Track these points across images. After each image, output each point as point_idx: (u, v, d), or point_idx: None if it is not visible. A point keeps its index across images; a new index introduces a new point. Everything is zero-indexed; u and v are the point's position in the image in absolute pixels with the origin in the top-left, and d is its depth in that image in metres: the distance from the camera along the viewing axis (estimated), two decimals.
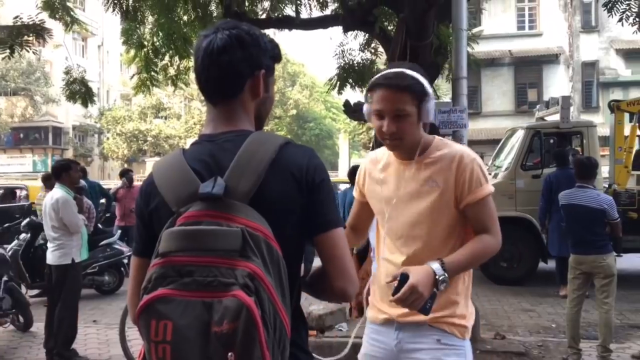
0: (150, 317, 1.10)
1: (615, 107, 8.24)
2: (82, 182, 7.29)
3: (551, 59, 24.05)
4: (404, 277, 1.64)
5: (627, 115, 8.28)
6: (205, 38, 1.32)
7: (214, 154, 1.27)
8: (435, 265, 1.68)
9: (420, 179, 1.86)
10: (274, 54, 1.38)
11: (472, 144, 18.44)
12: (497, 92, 24.49)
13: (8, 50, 6.74)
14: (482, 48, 23.83)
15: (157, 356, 1.09)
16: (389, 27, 6.53)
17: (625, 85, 23.51)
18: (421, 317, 1.74)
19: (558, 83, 24.29)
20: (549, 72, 24.36)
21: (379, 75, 1.84)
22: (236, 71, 1.30)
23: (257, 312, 1.06)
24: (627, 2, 6.36)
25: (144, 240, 1.30)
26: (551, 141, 8.07)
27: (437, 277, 1.66)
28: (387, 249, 1.95)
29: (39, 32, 7.01)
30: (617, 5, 6.39)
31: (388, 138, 1.82)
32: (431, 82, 6.50)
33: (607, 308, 4.63)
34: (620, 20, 6.57)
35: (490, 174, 8.63)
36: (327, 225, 1.28)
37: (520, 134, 8.40)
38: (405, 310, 1.73)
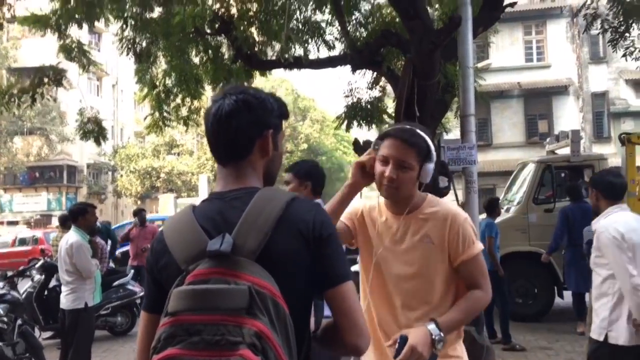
0: None
1: (626, 139, 8.20)
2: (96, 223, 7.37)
3: (560, 90, 24.12)
4: (403, 339, 1.70)
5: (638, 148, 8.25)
6: (215, 103, 1.38)
7: (223, 212, 1.30)
8: (431, 326, 1.76)
9: (414, 234, 1.95)
10: (280, 112, 1.43)
11: (483, 175, 18.40)
12: (507, 123, 24.53)
13: (30, 100, 7.00)
14: (491, 81, 24.07)
15: None
16: (396, 66, 6.63)
17: (636, 115, 23.47)
18: None
19: (568, 114, 24.30)
20: (558, 103, 24.41)
21: (393, 126, 1.98)
22: (244, 134, 1.35)
23: None
24: (631, 39, 6.44)
25: (154, 296, 1.32)
26: (562, 175, 8.04)
27: (433, 337, 1.73)
28: (382, 308, 1.98)
29: (59, 80, 7.25)
30: (620, 42, 6.47)
31: (386, 184, 1.90)
32: (439, 119, 6.57)
33: None
34: (624, 55, 6.62)
35: (502, 208, 8.59)
36: (336, 280, 1.30)
37: (531, 168, 8.39)
38: None
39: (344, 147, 39.95)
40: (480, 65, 23.00)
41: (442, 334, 1.75)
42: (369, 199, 2.16)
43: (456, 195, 5.92)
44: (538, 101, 24.50)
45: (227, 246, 1.19)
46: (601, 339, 3.03)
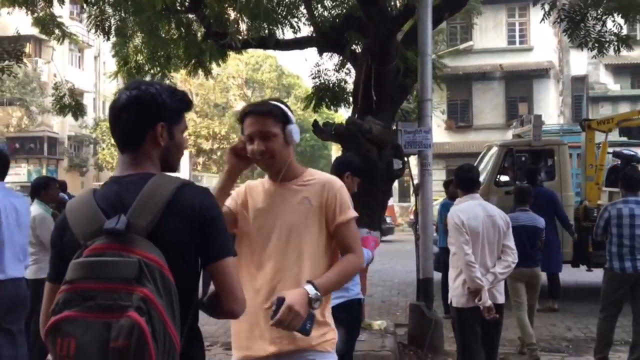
0: (56, 335, 1.32)
1: (586, 125, 8.47)
2: (64, 196, 7.48)
3: (541, 73, 24.37)
4: (280, 301, 1.81)
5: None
6: (116, 97, 1.56)
7: (119, 194, 1.49)
8: (308, 287, 1.87)
9: (294, 197, 2.08)
10: (178, 106, 1.61)
11: (463, 156, 18.65)
12: (489, 105, 24.78)
13: None
14: (473, 62, 24.31)
15: None
16: (359, 50, 6.77)
17: (615, 99, 23.83)
18: (299, 343, 1.95)
19: (548, 97, 24.60)
20: (539, 86, 24.68)
21: (245, 106, 2.12)
22: (134, 127, 1.54)
23: (147, 329, 1.28)
24: (586, 29, 6.62)
25: (57, 268, 1.51)
26: (523, 158, 8.29)
27: (310, 296, 1.84)
28: (262, 268, 2.07)
29: (19, 57, 7.32)
30: (576, 32, 6.65)
31: (260, 158, 2.04)
32: (399, 103, 6.74)
33: None
34: (580, 45, 6.83)
35: None
36: (217, 256, 1.51)
37: (494, 151, 8.64)
38: (280, 345, 1.96)
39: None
40: (462, 46, 23.27)
41: (318, 293, 1.85)
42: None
43: (411, 176, 6.15)
44: (519, 84, 24.74)
45: (121, 225, 1.38)
46: (451, 304, 3.77)
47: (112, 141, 22.46)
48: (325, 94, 7.39)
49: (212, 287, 1.61)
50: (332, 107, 7.53)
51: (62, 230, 1.51)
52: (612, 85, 24.30)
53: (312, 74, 7.57)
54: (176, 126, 1.61)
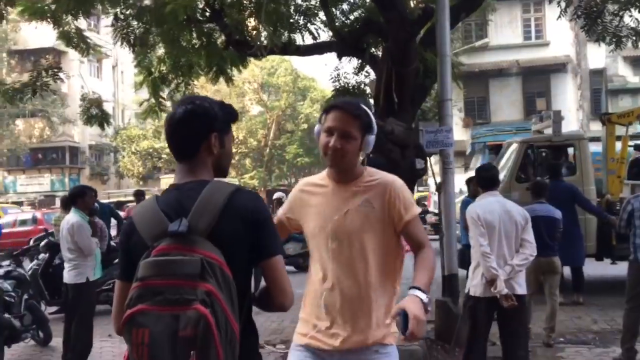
0: (132, 326, 1.48)
1: (606, 119, 8.49)
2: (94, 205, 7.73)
3: (558, 67, 24.18)
4: (404, 314, 1.84)
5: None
6: (172, 111, 1.73)
7: (180, 200, 1.66)
8: (418, 292, 1.92)
9: (356, 200, 2.12)
10: (227, 118, 1.78)
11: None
12: (506, 102, 24.67)
13: (30, 94, 7.37)
14: (489, 59, 24.25)
15: (138, 355, 1.47)
16: (379, 53, 6.90)
17: (634, 92, 23.58)
18: (365, 340, 2.08)
19: (566, 92, 24.40)
20: (556, 81, 24.49)
21: (337, 100, 2.17)
22: (191, 138, 1.71)
23: (212, 320, 1.43)
24: (603, 24, 6.67)
25: (125, 267, 1.68)
26: (544, 154, 8.34)
27: (424, 301, 1.91)
28: (326, 269, 2.15)
29: (56, 75, 7.59)
30: (593, 28, 6.70)
31: (332, 153, 2.07)
32: (419, 103, 6.85)
33: None
34: (597, 40, 6.87)
35: None
36: (268, 254, 1.67)
37: (515, 148, 8.69)
38: (345, 336, 2.07)
39: None
40: (477, 44, 23.22)
41: (428, 296, 1.93)
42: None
43: (433, 175, 6.26)
44: (536, 79, 24.59)
45: (184, 227, 1.54)
46: (468, 292, 3.95)
47: (132, 149, 22.93)
48: (345, 97, 7.52)
49: (262, 284, 1.77)
50: None
51: (130, 234, 1.68)
52: (631, 77, 24.05)
53: (332, 78, 7.71)
54: (226, 136, 1.78)
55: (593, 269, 8.62)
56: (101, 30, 31.56)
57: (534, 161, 8.37)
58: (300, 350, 2.18)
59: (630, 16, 6.72)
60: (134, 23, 7.39)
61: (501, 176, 8.67)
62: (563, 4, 6.90)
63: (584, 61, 24.35)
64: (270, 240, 1.68)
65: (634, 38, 6.84)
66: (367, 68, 7.45)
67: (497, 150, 10.34)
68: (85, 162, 33.98)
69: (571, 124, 22.11)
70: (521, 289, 3.82)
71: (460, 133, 23.83)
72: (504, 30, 24.31)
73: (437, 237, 6.90)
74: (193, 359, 1.42)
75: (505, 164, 8.88)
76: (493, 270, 3.67)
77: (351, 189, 2.15)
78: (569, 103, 24.08)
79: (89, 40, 8.62)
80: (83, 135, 33.14)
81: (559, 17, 7.05)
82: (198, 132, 1.71)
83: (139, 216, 1.68)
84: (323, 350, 2.13)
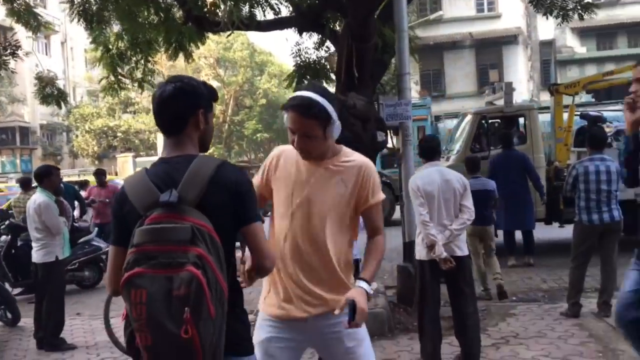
0: (130, 287, 1.64)
1: (554, 90, 8.91)
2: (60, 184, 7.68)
3: (510, 39, 24.79)
4: (352, 304, 2.04)
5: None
6: (159, 89, 1.86)
7: (169, 172, 1.80)
8: (364, 284, 2.14)
9: (330, 177, 2.24)
10: (210, 96, 1.93)
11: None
12: (460, 74, 25.19)
13: None
14: (443, 32, 24.63)
15: (137, 313, 1.63)
16: (339, 29, 7.02)
17: (581, 62, 24.40)
18: (330, 305, 2.20)
19: (518, 63, 25.09)
20: (508, 52, 25.13)
21: (290, 98, 2.23)
22: (180, 114, 1.85)
23: (203, 280, 1.61)
24: None
25: (119, 233, 1.83)
26: (495, 125, 8.72)
27: (369, 293, 2.13)
28: (290, 239, 2.25)
29: (15, 53, 7.40)
30: (541, 1, 7.01)
31: (299, 151, 2.22)
32: (379, 77, 7.03)
33: None
34: (545, 14, 7.19)
35: (443, 157, 9.27)
36: (248, 221, 1.84)
37: (469, 119, 9.03)
38: (312, 310, 2.23)
39: None
40: (432, 17, 23.51)
41: (371, 287, 2.15)
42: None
43: (393, 146, 6.51)
44: (489, 51, 25.15)
45: (174, 198, 1.70)
46: (415, 256, 4.31)
47: (86, 128, 22.26)
48: (307, 72, 7.63)
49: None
50: None
51: (122, 203, 1.83)
52: (578, 48, 24.88)
53: (293, 53, 7.79)
54: (210, 112, 1.93)
55: (543, 232, 9.14)
56: (48, 5, 30.31)
57: (487, 131, 8.74)
58: (268, 323, 2.31)
59: None
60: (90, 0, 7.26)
61: (456, 147, 9.12)
62: None
63: (534, 33, 25.01)
64: (250, 208, 1.85)
65: (580, 11, 7.18)
66: (328, 43, 7.56)
67: None
68: (37, 143, 32.89)
69: (522, 94, 22.83)
70: (460, 251, 4.07)
71: None
72: (458, 3, 24.70)
73: None
74: (187, 315, 1.58)
75: (460, 135, 9.24)
76: (431, 237, 3.95)
77: (327, 167, 2.25)
78: (520, 74, 24.82)
79: (39, 17, 8.41)
80: (33, 114, 32.01)
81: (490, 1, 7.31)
82: (186, 108, 1.84)
83: (130, 187, 1.82)
84: (290, 319, 2.25)
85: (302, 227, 2.24)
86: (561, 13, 7.19)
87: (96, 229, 9.23)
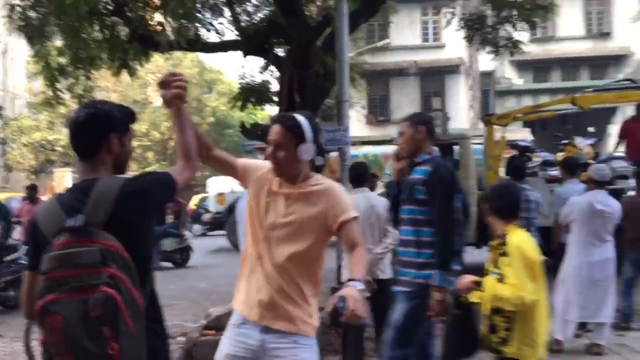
0: (45, 315, 1.69)
1: (487, 120, 9.39)
2: None
3: (453, 69, 25.78)
4: (342, 299, 2.01)
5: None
6: (75, 114, 1.95)
7: (77, 197, 1.87)
8: (355, 283, 2.12)
9: (300, 199, 2.35)
10: (126, 120, 2.02)
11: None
12: (405, 100, 25.91)
13: None
14: (390, 58, 25.37)
15: (54, 338, 1.68)
16: (283, 54, 7.22)
17: (519, 93, 25.56)
18: (284, 325, 2.30)
19: (459, 92, 26.07)
20: (451, 81, 26.12)
21: (280, 114, 2.47)
22: (91, 139, 1.93)
23: (119, 298, 1.68)
24: (483, 35, 7.45)
25: (33, 259, 1.88)
26: None
27: (359, 288, 2.11)
28: (260, 253, 2.36)
29: None
30: (475, 38, 7.47)
31: (271, 161, 2.35)
32: (319, 103, 7.25)
33: None
34: (478, 49, 7.64)
35: (383, 182, 9.55)
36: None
37: None
38: (271, 317, 2.30)
39: (253, 121, 39.97)
40: (379, 44, 24.21)
41: (362, 284, 2.14)
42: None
43: (330, 171, 6.70)
44: (433, 79, 26.08)
45: (80, 222, 1.76)
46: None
47: (24, 141, 21.47)
48: (251, 94, 7.77)
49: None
50: (258, 106, 7.92)
51: (34, 229, 1.90)
52: (516, 80, 26.10)
53: (240, 76, 7.93)
54: (125, 136, 2.01)
55: (473, 255, 9.50)
56: None
57: None
58: (232, 326, 2.42)
59: (507, 29, 7.55)
60: (32, 14, 7.15)
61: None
62: (449, 16, 7.62)
63: (475, 64, 26.06)
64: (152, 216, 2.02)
65: (510, 48, 7.68)
66: (273, 67, 7.74)
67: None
68: None
69: (463, 122, 23.75)
70: (384, 274, 4.26)
71: (364, 129, 24.86)
72: (404, 31, 25.51)
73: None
74: (107, 333, 1.64)
75: None
76: None
77: (298, 189, 2.37)
78: (462, 103, 25.82)
79: None
80: None
81: (446, 26, 7.75)
82: (99, 133, 1.92)
83: (41, 214, 1.91)
84: (248, 321, 2.35)
85: (273, 247, 2.34)
86: (493, 50, 7.67)
87: (23, 247, 8.92)
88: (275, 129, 2.36)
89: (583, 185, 5.46)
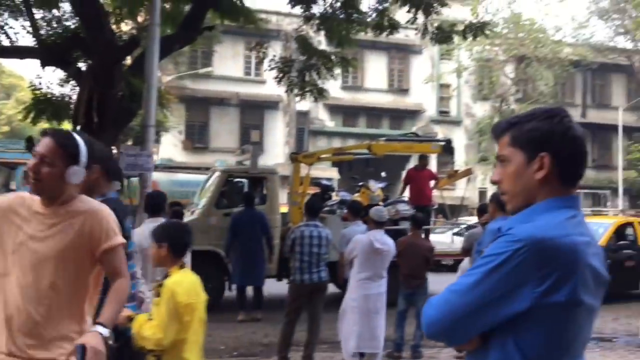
0: None
1: (294, 158, 9.88)
2: None
3: (272, 105, 26.68)
4: (81, 347, 1.94)
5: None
6: None
7: None
8: (99, 328, 2.04)
9: (59, 224, 2.17)
10: None
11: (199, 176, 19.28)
12: (225, 129, 26.05)
13: None
14: (212, 87, 25.36)
15: None
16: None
17: (330, 134, 27.36)
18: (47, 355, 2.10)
19: (277, 127, 27.03)
20: (269, 116, 26.98)
21: (58, 129, 2.26)
22: None
23: None
24: (290, 79, 7.94)
25: None
26: (240, 184, 9.25)
27: (103, 335, 2.02)
28: (11, 283, 2.14)
29: None
30: (283, 80, 7.92)
31: (31, 176, 2.14)
32: (123, 125, 6.96)
33: None
34: (286, 91, 8.12)
35: (189, 211, 9.41)
36: None
37: (217, 176, 9.40)
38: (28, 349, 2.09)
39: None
40: (202, 71, 24.12)
41: (108, 330, 2.05)
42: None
43: (130, 198, 6.42)
44: (253, 112, 26.66)
45: None
46: None
47: None
48: (47, 107, 7.12)
49: None
50: (54, 121, 7.28)
51: None
52: (328, 122, 27.93)
53: (32, 86, 7.23)
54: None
55: (275, 288, 9.79)
56: None
57: (233, 189, 9.20)
58: None
59: (313, 75, 8.14)
60: None
61: (202, 202, 9.36)
62: (262, 54, 7.96)
63: (293, 102, 27.35)
64: None
65: (314, 94, 8.26)
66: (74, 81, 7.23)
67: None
68: None
69: (279, 156, 24.61)
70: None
71: (180, 154, 24.31)
72: (227, 62, 25.82)
73: None
74: None
75: (206, 191, 9.53)
76: (140, 295, 3.87)
77: (58, 212, 2.19)
78: (279, 138, 26.80)
79: None
80: None
81: (257, 64, 8.05)
82: None
83: None
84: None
85: (24, 274, 2.12)
86: (300, 93, 8.16)
87: None
88: (45, 141, 2.18)
89: (364, 226, 6.00)
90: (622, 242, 11.41)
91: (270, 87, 27.19)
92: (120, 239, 2.25)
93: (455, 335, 1.39)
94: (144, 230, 4.17)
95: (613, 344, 7.62)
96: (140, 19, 8.35)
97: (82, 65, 6.88)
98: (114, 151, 5.97)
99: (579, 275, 1.30)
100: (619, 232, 11.55)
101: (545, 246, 1.29)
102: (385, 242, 5.24)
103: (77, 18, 6.05)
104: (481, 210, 6.33)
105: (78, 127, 5.80)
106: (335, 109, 27.44)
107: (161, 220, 4.30)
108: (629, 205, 27.38)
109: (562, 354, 1.32)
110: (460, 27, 7.87)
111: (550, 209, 1.38)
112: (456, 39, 8.35)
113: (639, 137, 28.74)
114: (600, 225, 11.64)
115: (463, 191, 11.03)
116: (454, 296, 1.35)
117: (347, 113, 27.93)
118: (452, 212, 11.93)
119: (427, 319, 1.39)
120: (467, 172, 10.66)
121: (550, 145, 1.38)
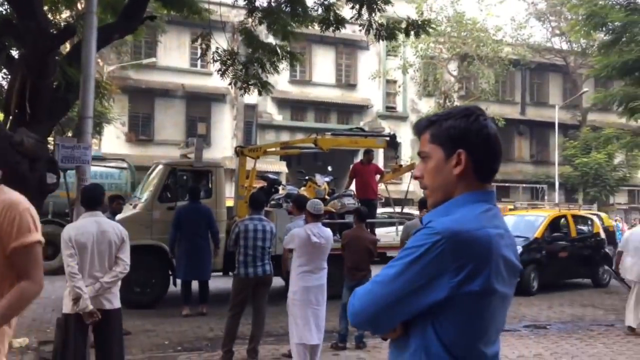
0: None
1: (240, 151, 9.80)
2: None
3: (219, 98, 26.27)
4: None
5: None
6: None
7: None
8: None
9: None
10: None
11: (143, 169, 18.74)
12: (170, 122, 25.50)
13: None
14: (156, 78, 24.75)
15: None
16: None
17: (278, 128, 27.26)
18: None
19: (224, 120, 26.68)
20: (216, 109, 26.59)
21: None
22: None
23: None
24: (234, 71, 7.87)
25: None
26: (184, 177, 9.11)
27: None
28: None
29: None
30: (227, 72, 7.84)
31: None
32: (59, 116, 6.70)
33: None
34: (230, 83, 8.04)
35: (131, 204, 9.18)
36: None
37: (160, 169, 9.21)
38: None
39: None
40: (145, 61, 23.49)
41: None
42: None
43: (67, 192, 6.20)
44: (199, 105, 26.19)
45: None
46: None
47: None
48: None
49: None
50: None
51: None
52: (276, 115, 27.82)
53: None
54: None
55: (221, 282, 9.73)
56: None
57: (177, 183, 9.05)
58: None
59: (257, 69, 8.09)
60: None
61: (144, 196, 9.15)
62: (204, 46, 7.85)
63: (240, 95, 27.10)
64: None
65: (259, 87, 8.22)
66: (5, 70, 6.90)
67: None
68: None
69: (227, 150, 24.33)
70: (110, 304, 4.07)
71: (123, 147, 23.61)
72: (173, 53, 25.28)
73: None
74: None
75: (149, 184, 9.32)
76: (77, 290, 3.86)
77: None
78: (226, 131, 26.48)
79: None
80: None
81: (200, 57, 7.92)
82: None
83: None
84: None
85: None
86: (244, 86, 8.10)
87: None
88: None
89: None
90: (556, 234, 11.96)
91: (217, 79, 26.05)
92: (35, 237, 2.05)
93: (379, 324, 1.44)
94: (82, 224, 4.04)
95: (547, 330, 8.00)
96: (80, 6, 8.08)
97: (14, 53, 6.57)
98: (50, 143, 5.75)
99: (492, 266, 1.36)
100: (554, 224, 12.10)
101: (461, 238, 1.35)
102: (322, 235, 5.28)
103: (7, 3, 5.77)
104: (422, 203, 6.47)
105: (10, 118, 5.54)
106: (284, 103, 27.39)
107: (98, 214, 4.18)
108: (565, 199, 28.68)
109: (478, 340, 1.39)
110: (404, 25, 8.00)
111: (467, 202, 1.43)
112: (401, 36, 8.49)
113: (573, 134, 30.13)
114: (537, 218, 12.17)
115: (407, 185, 11.25)
116: (376, 287, 1.39)
117: (295, 107, 27.93)
118: (397, 205, 12.17)
119: (352, 309, 1.43)
120: (411, 167, 10.88)
121: (466, 143, 1.44)
